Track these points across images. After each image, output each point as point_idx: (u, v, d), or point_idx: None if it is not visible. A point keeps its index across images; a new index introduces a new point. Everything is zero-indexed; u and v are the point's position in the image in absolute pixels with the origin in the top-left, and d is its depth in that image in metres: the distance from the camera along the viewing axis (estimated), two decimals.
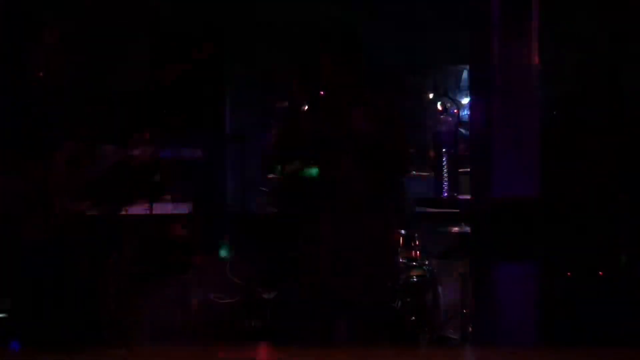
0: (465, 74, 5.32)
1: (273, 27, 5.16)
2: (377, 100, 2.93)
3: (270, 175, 5.22)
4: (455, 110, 5.48)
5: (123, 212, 3.92)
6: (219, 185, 5.36)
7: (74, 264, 3.14)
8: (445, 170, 2.84)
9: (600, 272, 3.96)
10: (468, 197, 3.07)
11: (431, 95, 5.43)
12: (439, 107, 5.46)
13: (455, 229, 4.14)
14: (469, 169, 3.39)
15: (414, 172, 5.40)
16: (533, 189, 2.78)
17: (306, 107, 3.19)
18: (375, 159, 2.82)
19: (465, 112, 5.36)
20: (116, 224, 3.91)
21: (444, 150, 2.85)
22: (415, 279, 3.96)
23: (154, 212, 3.98)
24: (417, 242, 4.14)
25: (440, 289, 4.34)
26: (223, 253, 4.97)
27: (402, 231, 4.18)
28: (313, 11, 4.89)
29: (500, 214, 2.76)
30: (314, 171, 3.79)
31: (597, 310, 3.83)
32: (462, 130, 5.26)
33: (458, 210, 3.77)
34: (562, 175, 4.11)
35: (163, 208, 4.04)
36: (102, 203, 3.89)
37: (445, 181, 2.83)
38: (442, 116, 5.47)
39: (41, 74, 2.54)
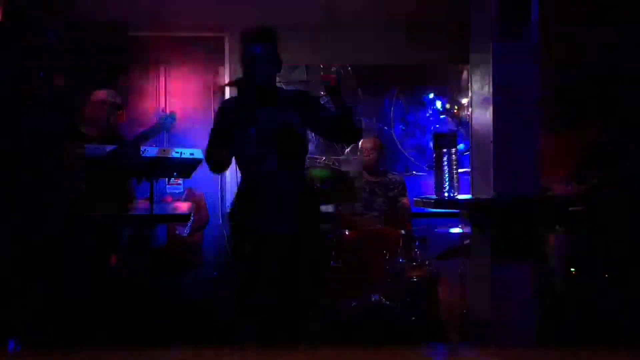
0: (465, 74, 5.32)
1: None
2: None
3: None
4: (455, 110, 5.49)
5: (123, 212, 3.92)
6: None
7: (75, 263, 3.14)
8: (445, 170, 2.83)
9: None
10: (468, 197, 3.06)
11: (431, 95, 5.44)
12: (439, 107, 5.47)
13: (455, 229, 4.14)
14: (469, 169, 3.40)
15: (414, 172, 5.44)
16: (533, 189, 2.78)
17: None
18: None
19: (465, 112, 5.38)
20: (116, 224, 3.91)
21: (444, 150, 2.84)
22: (415, 279, 3.96)
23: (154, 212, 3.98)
24: (416, 242, 4.15)
25: (440, 289, 4.34)
26: None
27: (402, 231, 4.19)
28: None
29: (500, 214, 2.76)
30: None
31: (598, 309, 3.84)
32: (462, 130, 5.28)
33: (458, 211, 3.77)
34: None
35: (164, 208, 4.04)
36: (102, 203, 3.90)
37: (446, 181, 2.83)
38: (442, 116, 5.48)
39: (42, 74, 2.53)
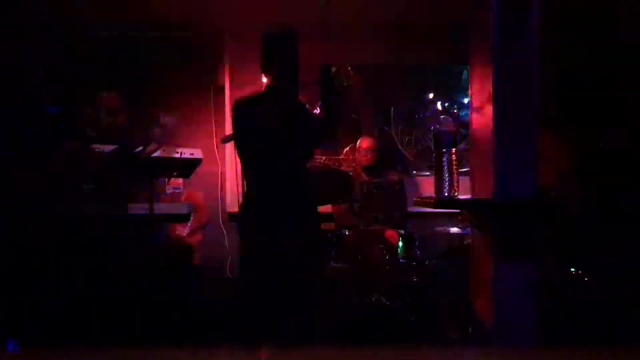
0: (465, 74, 5.32)
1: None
2: None
3: None
4: (455, 110, 5.49)
5: (123, 212, 3.92)
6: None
7: (75, 263, 3.14)
8: (445, 170, 2.83)
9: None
10: (468, 197, 3.07)
11: (431, 95, 5.44)
12: (439, 107, 5.47)
13: (455, 229, 4.15)
14: (468, 169, 3.40)
15: (413, 172, 5.44)
16: (533, 189, 2.78)
17: None
18: None
19: (465, 112, 5.37)
20: (117, 224, 3.91)
21: (444, 150, 2.84)
22: (415, 279, 3.96)
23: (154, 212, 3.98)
24: (416, 243, 4.15)
25: (440, 289, 4.34)
26: None
27: (402, 231, 4.19)
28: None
29: (500, 214, 2.76)
30: None
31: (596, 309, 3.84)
32: (462, 130, 5.28)
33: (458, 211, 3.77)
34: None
35: (163, 208, 4.04)
36: (104, 203, 3.90)
37: (446, 181, 2.83)
38: (442, 116, 5.48)
39: (41, 73, 2.53)
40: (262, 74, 3.06)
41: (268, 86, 3.03)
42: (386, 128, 5.44)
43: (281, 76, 2.97)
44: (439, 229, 4.30)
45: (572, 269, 4.00)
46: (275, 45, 2.98)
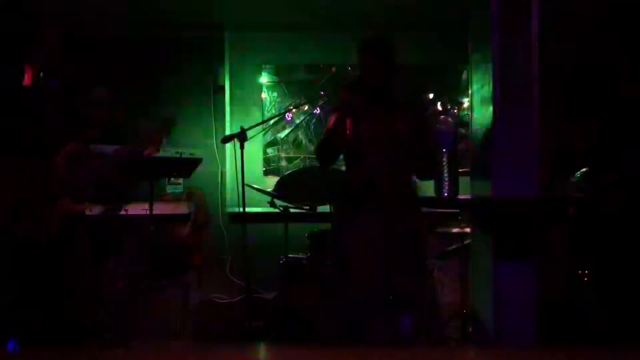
0: (465, 74, 5.32)
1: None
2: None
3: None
4: (455, 111, 5.48)
5: (123, 212, 3.92)
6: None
7: (74, 264, 3.14)
8: (445, 170, 2.84)
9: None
10: (468, 197, 3.07)
11: (431, 95, 5.43)
12: (439, 107, 5.47)
13: (455, 229, 4.14)
14: (469, 169, 3.39)
15: None
16: (533, 189, 2.78)
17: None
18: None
19: (465, 112, 5.37)
20: (116, 224, 3.92)
21: (444, 150, 2.85)
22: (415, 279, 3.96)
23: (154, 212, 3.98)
24: None
25: (440, 289, 4.34)
26: None
27: None
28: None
29: (500, 214, 2.76)
30: None
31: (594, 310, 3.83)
32: (462, 130, 5.27)
33: (458, 210, 3.77)
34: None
35: (163, 208, 4.05)
36: (102, 203, 3.90)
37: (446, 181, 2.83)
38: (442, 116, 5.47)
39: (42, 74, 2.53)
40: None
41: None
42: None
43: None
44: (439, 229, 4.29)
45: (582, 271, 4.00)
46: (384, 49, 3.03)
